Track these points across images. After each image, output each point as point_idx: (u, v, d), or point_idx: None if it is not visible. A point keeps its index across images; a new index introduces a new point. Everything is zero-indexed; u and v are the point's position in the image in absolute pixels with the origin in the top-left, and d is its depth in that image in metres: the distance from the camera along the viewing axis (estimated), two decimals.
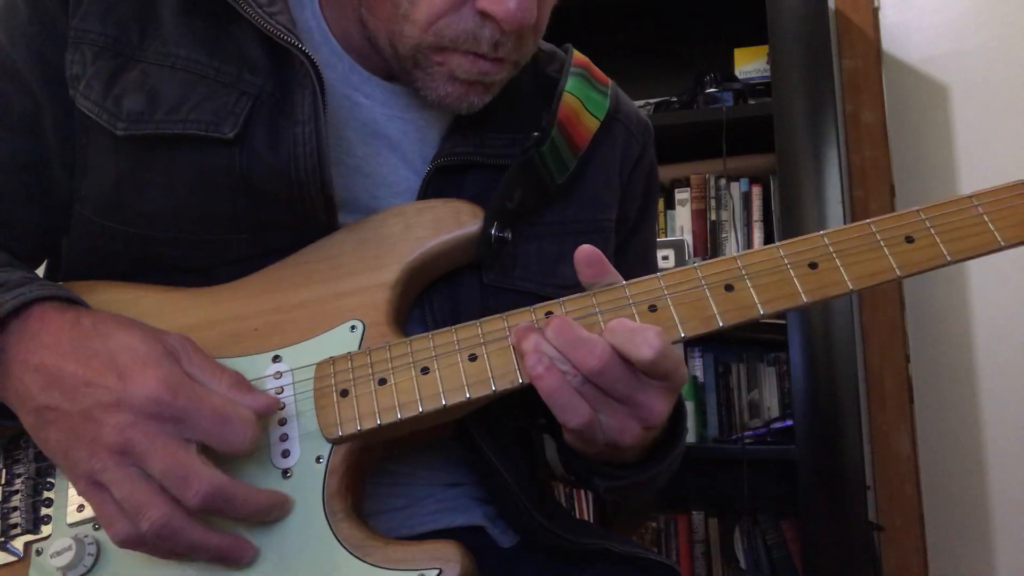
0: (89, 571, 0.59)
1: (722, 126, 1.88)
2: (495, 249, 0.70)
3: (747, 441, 1.86)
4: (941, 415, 2.01)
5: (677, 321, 0.59)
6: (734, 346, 2.00)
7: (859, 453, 1.73)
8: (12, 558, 0.61)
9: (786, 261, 0.60)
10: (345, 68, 0.74)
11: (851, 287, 0.59)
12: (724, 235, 2.03)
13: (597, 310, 0.60)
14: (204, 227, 0.67)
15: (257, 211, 0.67)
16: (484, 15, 0.64)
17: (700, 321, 0.59)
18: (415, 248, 0.67)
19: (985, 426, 1.97)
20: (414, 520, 0.73)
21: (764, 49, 1.96)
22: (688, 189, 2.06)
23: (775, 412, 1.95)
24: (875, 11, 2.15)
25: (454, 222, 0.68)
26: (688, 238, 2.03)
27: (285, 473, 0.60)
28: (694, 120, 1.89)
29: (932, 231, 0.60)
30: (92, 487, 0.55)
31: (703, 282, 0.60)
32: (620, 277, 0.62)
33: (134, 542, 0.55)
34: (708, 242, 2.04)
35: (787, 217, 1.80)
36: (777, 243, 0.61)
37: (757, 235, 2.01)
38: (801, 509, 1.73)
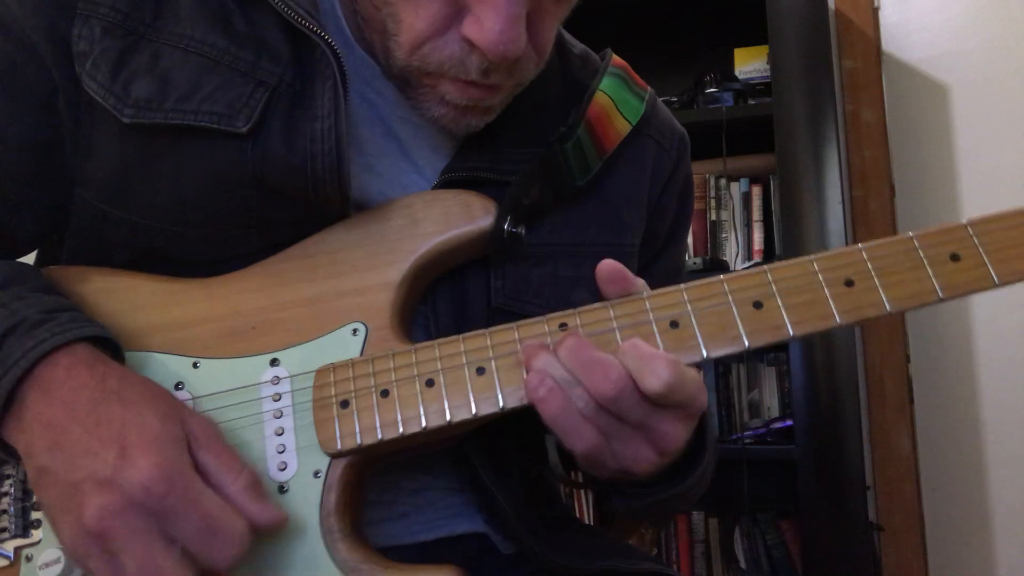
0: None
1: (722, 126, 1.88)
2: (507, 245, 0.66)
3: (747, 441, 1.86)
4: (941, 415, 2.01)
5: (700, 340, 0.55)
6: None
7: (859, 453, 1.73)
8: (3, 562, 0.60)
9: (820, 277, 0.55)
10: (357, 61, 0.69)
11: (889, 309, 0.54)
12: (724, 235, 2.03)
13: (614, 324, 0.56)
14: (211, 222, 0.63)
15: (268, 208, 0.63)
16: (470, 42, 0.59)
17: (725, 341, 0.55)
18: (422, 244, 0.63)
19: (985, 426, 1.97)
20: (416, 528, 0.70)
21: (764, 49, 1.96)
22: None
23: (775, 412, 1.95)
24: (875, 11, 2.15)
25: (464, 216, 0.64)
26: (688, 238, 2.03)
27: (281, 488, 0.58)
28: (694, 120, 1.88)
29: (980, 249, 0.54)
30: (78, 561, 0.52)
31: (730, 297, 0.56)
32: (647, 290, 0.58)
33: None
34: (708, 242, 2.04)
35: (787, 217, 1.79)
36: (812, 256, 0.56)
37: (757, 235, 2.01)
38: (801, 509, 1.73)
